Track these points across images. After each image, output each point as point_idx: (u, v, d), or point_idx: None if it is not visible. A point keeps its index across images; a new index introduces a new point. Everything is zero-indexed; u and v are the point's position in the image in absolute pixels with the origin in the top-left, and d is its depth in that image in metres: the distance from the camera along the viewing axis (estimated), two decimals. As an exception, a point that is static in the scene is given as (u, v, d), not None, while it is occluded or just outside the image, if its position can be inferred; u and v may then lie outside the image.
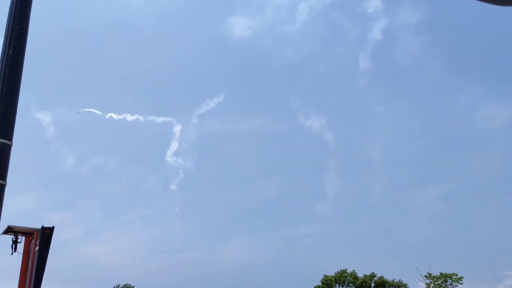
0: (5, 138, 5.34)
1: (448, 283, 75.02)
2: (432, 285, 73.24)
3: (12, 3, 5.80)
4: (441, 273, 74.76)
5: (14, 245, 7.97)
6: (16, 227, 8.00)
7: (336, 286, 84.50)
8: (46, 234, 7.68)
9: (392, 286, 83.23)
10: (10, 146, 5.41)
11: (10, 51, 5.60)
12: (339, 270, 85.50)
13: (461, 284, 74.99)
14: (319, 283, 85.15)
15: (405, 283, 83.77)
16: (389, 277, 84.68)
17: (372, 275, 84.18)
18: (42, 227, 7.74)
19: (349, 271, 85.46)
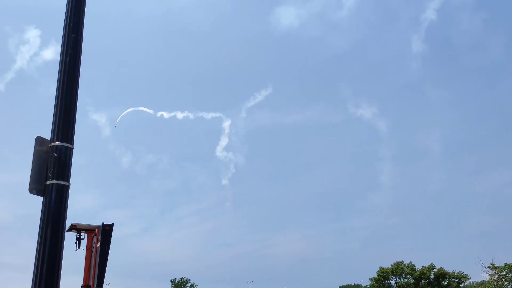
0: (67, 142, 5.63)
1: (513, 274, 71.42)
2: (496, 276, 69.94)
3: (66, 13, 6.09)
4: (505, 264, 71.21)
5: (77, 241, 8.43)
6: (79, 224, 8.44)
7: (393, 278, 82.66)
8: (106, 231, 8.05)
9: (452, 278, 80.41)
10: (71, 149, 5.70)
11: (67, 59, 5.89)
12: (395, 262, 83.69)
13: (527, 275, 71.28)
14: (375, 276, 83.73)
15: (466, 274, 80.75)
16: (449, 268, 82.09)
17: (431, 267, 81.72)
18: (103, 224, 8.12)
19: (406, 262, 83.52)
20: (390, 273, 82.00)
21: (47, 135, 5.71)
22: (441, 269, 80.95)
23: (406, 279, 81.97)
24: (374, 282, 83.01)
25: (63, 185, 5.48)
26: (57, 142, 5.56)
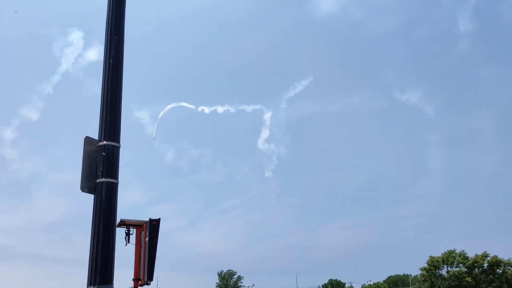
0: (113, 141, 5.83)
1: None
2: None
3: (107, 17, 6.27)
4: None
5: (127, 237, 8.69)
6: (127, 220, 8.70)
7: (444, 267, 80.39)
8: (153, 226, 8.25)
9: (508, 266, 77.25)
10: (118, 147, 5.89)
11: (111, 60, 6.08)
12: (446, 251, 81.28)
13: None
14: (425, 265, 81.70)
15: (522, 262, 77.33)
16: (504, 256, 78.82)
17: (485, 255, 78.81)
18: (150, 219, 8.33)
19: (457, 251, 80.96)
20: (441, 262, 79.74)
21: (94, 134, 5.94)
22: (495, 257, 77.91)
23: (458, 268, 79.51)
24: (424, 272, 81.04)
25: (112, 182, 5.69)
26: (104, 142, 5.78)
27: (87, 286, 5.28)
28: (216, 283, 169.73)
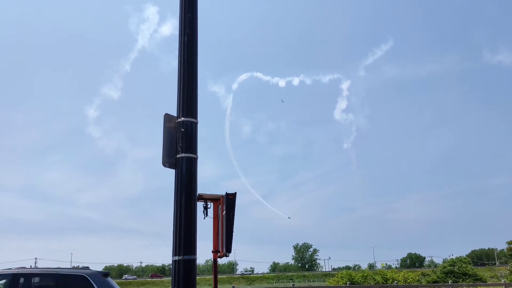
0: (191, 117, 5.98)
1: None
2: None
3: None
4: None
5: (205, 210, 8.91)
6: (205, 194, 8.90)
7: (532, 241, 75.39)
8: (230, 200, 8.40)
9: None
10: (196, 123, 6.03)
11: (186, 38, 6.18)
12: (535, 224, 76.15)
13: None
14: (512, 239, 77.13)
15: None
16: None
17: None
18: (226, 193, 8.50)
19: (548, 224, 75.53)
20: (529, 236, 74.85)
21: (172, 109, 6.14)
22: None
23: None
24: (511, 246, 76.66)
25: (191, 157, 5.87)
26: (182, 118, 5.94)
27: (173, 256, 5.54)
28: (292, 255, 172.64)
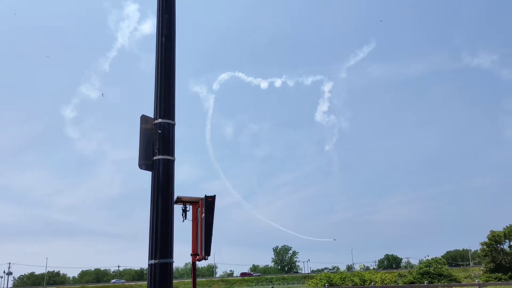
0: (168, 119, 5.91)
1: None
2: None
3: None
4: None
5: (183, 213, 8.87)
6: (184, 197, 8.88)
7: (505, 242, 77.19)
8: (209, 202, 8.37)
9: None
10: (173, 125, 5.96)
11: (163, 38, 6.12)
12: (508, 225, 77.88)
13: None
14: (485, 240, 78.79)
15: None
16: None
17: (550, 229, 74.93)
18: (205, 196, 8.45)
19: (520, 225, 77.33)
20: (503, 236, 76.56)
21: (151, 111, 6.05)
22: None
23: (521, 243, 76.09)
24: (485, 247, 78.21)
25: (168, 159, 5.79)
26: (160, 120, 5.87)
27: (149, 260, 5.45)
28: (272, 258, 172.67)
